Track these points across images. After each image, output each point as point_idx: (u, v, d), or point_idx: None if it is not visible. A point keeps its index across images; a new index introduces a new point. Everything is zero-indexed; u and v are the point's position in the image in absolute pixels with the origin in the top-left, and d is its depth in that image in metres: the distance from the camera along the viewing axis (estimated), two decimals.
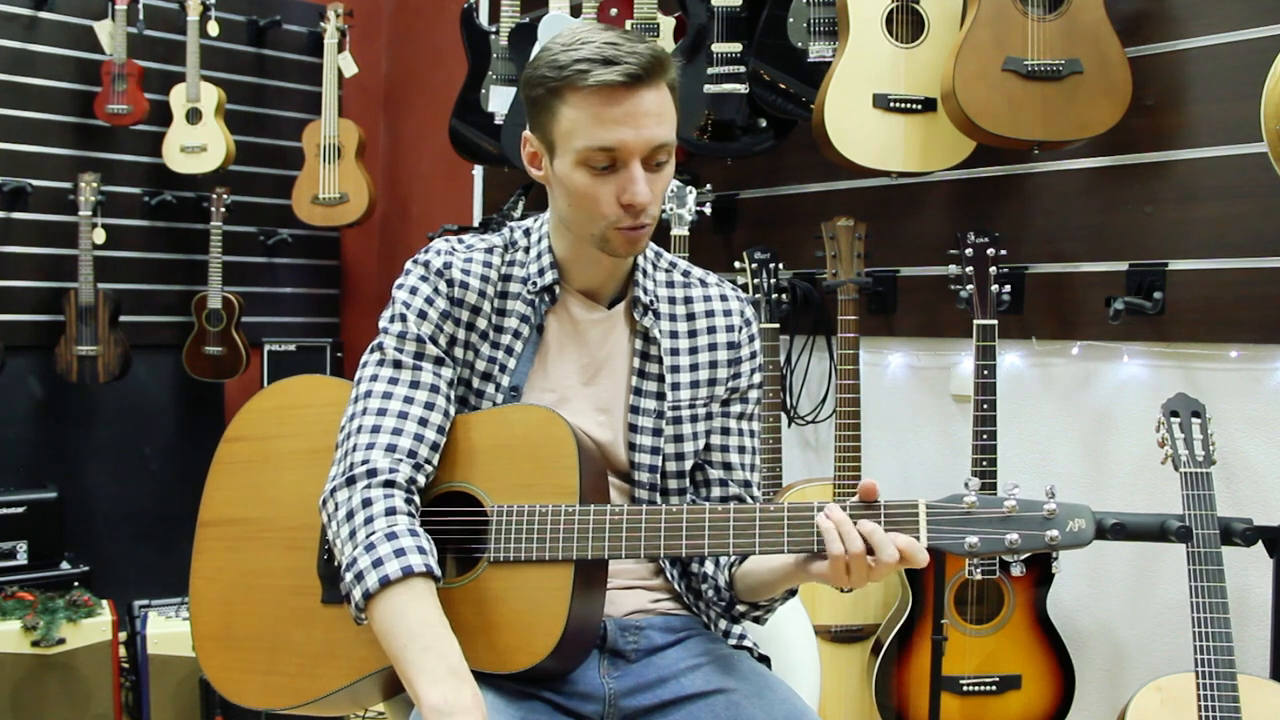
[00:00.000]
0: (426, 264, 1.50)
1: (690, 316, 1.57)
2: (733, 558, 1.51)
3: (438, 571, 1.33)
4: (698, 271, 1.62)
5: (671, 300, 1.57)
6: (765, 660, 1.61)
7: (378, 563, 1.30)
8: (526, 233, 1.56)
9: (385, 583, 1.29)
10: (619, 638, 1.48)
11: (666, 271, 1.59)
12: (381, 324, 1.49)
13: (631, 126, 1.35)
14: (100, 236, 3.62)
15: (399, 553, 1.31)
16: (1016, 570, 1.31)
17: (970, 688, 2.34)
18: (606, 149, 1.36)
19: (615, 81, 1.33)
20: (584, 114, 1.36)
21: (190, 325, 3.87)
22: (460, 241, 1.54)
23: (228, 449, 1.60)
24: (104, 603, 3.01)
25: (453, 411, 1.47)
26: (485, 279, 1.51)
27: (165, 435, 4.00)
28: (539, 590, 1.35)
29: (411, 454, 1.40)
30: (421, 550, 1.32)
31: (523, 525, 1.37)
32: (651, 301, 1.54)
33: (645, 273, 1.56)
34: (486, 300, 1.51)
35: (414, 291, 1.48)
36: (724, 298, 1.60)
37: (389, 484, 1.37)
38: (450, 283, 1.49)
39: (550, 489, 1.39)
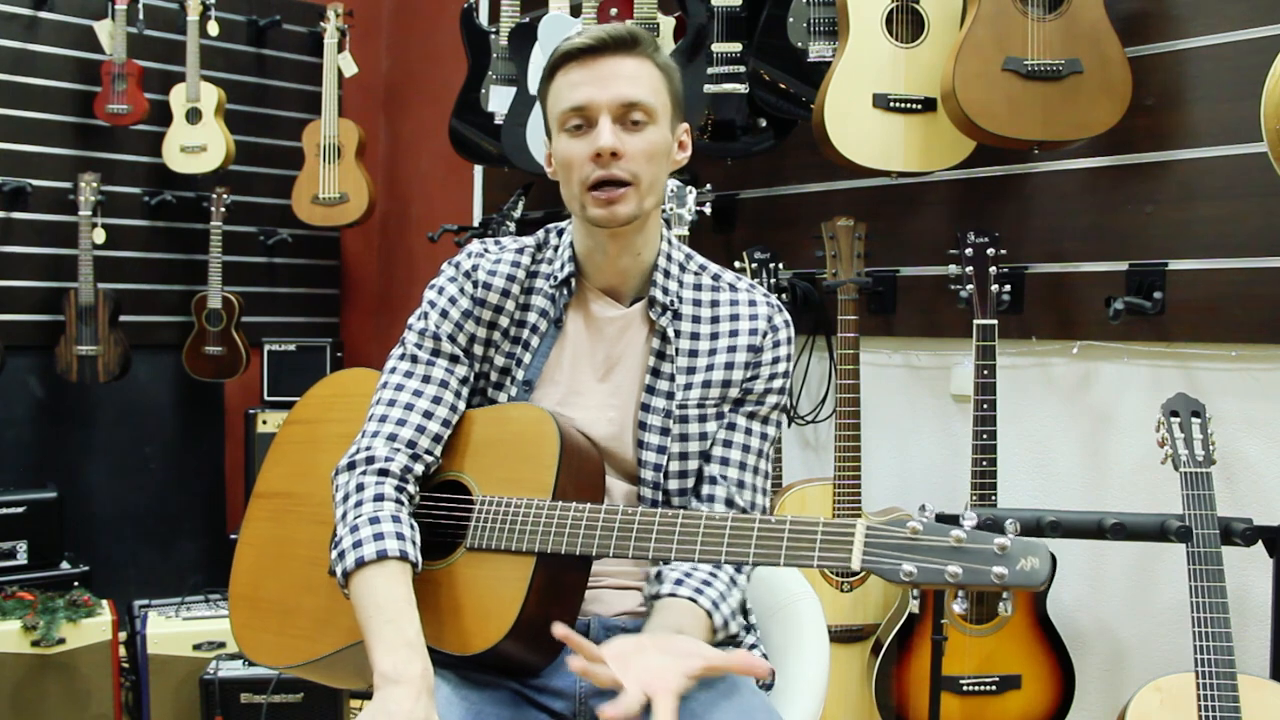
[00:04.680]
0: (457, 265, 1.59)
1: (714, 320, 1.58)
2: (665, 592, 1.47)
3: (414, 557, 1.39)
4: (729, 276, 1.63)
5: (696, 302, 1.59)
6: (770, 673, 1.59)
7: (358, 544, 1.38)
8: (559, 233, 1.62)
9: (361, 563, 1.37)
10: (601, 636, 1.48)
11: (695, 274, 1.61)
12: (409, 320, 1.57)
13: (599, 85, 1.44)
14: (100, 236, 3.63)
15: (378, 536, 1.39)
16: (958, 607, 1.23)
17: (970, 688, 2.34)
18: (576, 107, 1.45)
19: (583, 46, 1.45)
20: (562, 82, 1.47)
21: (190, 325, 3.87)
22: (496, 243, 1.61)
23: (287, 430, 1.75)
24: (104, 603, 3.01)
25: (461, 407, 1.54)
26: (511, 278, 1.57)
27: (165, 435, 4.01)
28: (500, 579, 1.40)
29: (411, 444, 1.48)
30: (400, 536, 1.39)
31: (498, 516, 1.42)
32: (672, 302, 1.56)
33: (667, 273, 1.57)
34: (510, 299, 1.57)
35: (440, 291, 1.57)
36: (753, 302, 1.60)
37: (383, 471, 1.45)
38: (476, 284, 1.56)
39: (529, 484, 1.44)
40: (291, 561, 1.61)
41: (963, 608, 1.21)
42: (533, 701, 1.44)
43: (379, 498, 1.43)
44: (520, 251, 1.59)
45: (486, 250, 1.59)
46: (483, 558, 1.42)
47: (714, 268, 1.63)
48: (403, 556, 1.38)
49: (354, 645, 1.47)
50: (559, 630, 1.31)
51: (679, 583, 1.46)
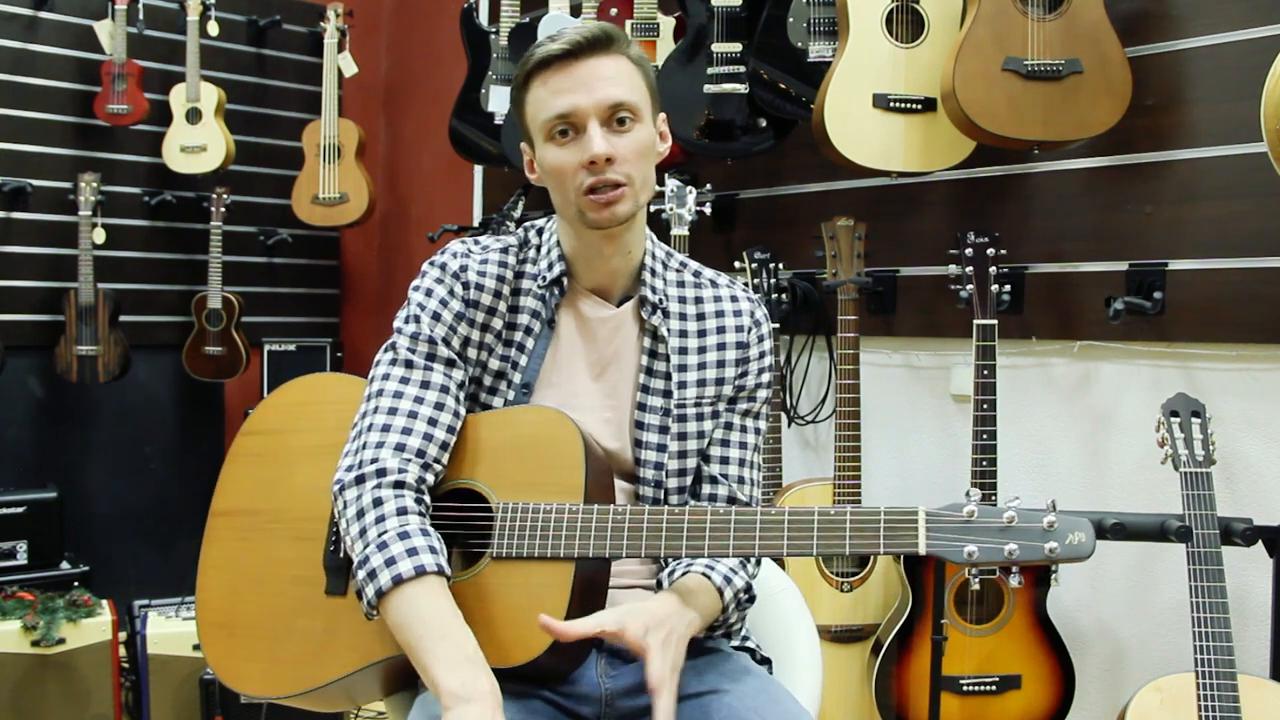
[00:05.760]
0: (443, 266, 1.53)
1: (700, 316, 1.58)
2: (675, 576, 1.50)
3: (449, 570, 1.36)
4: (709, 273, 1.63)
5: (681, 300, 1.59)
6: (767, 662, 1.61)
7: (390, 561, 1.33)
8: (539, 232, 1.59)
9: (398, 580, 1.32)
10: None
11: (677, 272, 1.60)
12: (396, 324, 1.52)
13: (582, 91, 1.42)
14: (100, 236, 3.63)
15: (411, 552, 1.34)
16: (1014, 582, 1.31)
17: (970, 688, 2.34)
18: (562, 115, 1.42)
19: (559, 52, 1.42)
20: (541, 90, 1.44)
21: (190, 325, 3.87)
22: (476, 243, 1.57)
23: (244, 442, 1.64)
24: (104, 603, 3.01)
25: (462, 412, 1.50)
26: (500, 279, 1.54)
27: (165, 435, 4.00)
28: (539, 587, 1.36)
29: (420, 453, 1.43)
30: (433, 550, 1.35)
31: (526, 522, 1.39)
32: (661, 300, 1.56)
33: (654, 272, 1.57)
34: (501, 300, 1.54)
35: (429, 293, 1.52)
36: (734, 298, 1.61)
37: (399, 484, 1.40)
38: (466, 285, 1.52)
39: (555, 488, 1.40)
40: (274, 583, 1.50)
41: (1017, 581, 1.30)
42: (562, 708, 1.43)
43: (402, 511, 1.37)
44: (505, 251, 1.56)
45: (470, 251, 1.55)
46: (513, 566, 1.38)
47: (693, 264, 1.63)
48: (440, 571, 1.34)
49: (368, 668, 1.42)
50: (545, 620, 1.30)
51: (688, 567, 1.49)
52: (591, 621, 1.32)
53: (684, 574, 1.49)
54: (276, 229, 4.14)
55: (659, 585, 1.52)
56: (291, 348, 3.92)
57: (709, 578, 1.48)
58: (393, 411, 1.45)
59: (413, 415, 1.44)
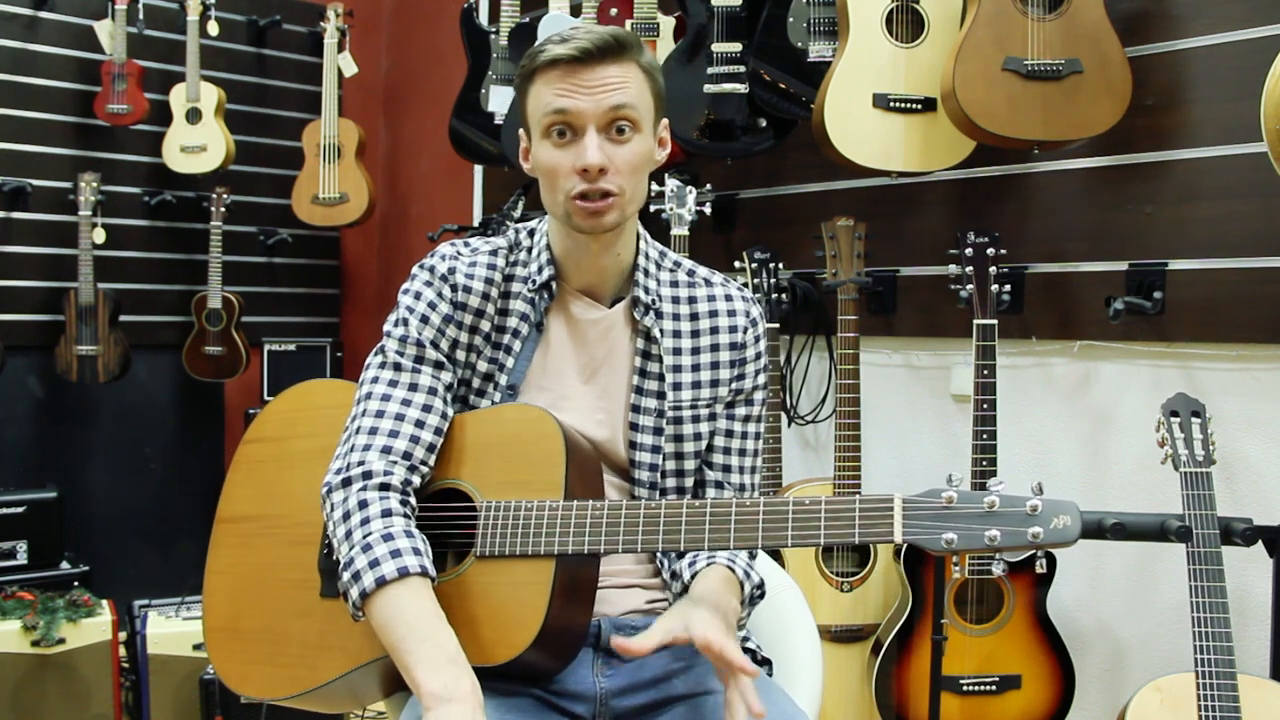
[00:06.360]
0: (431, 269, 1.53)
1: (694, 316, 1.58)
2: (698, 568, 1.51)
3: (433, 572, 1.36)
4: (703, 271, 1.63)
5: (675, 300, 1.58)
6: (767, 663, 1.61)
7: (374, 563, 1.33)
8: (530, 233, 1.59)
9: (382, 582, 1.32)
10: (613, 637, 1.48)
11: (671, 271, 1.60)
12: (386, 328, 1.52)
13: (585, 94, 1.42)
14: (100, 236, 3.63)
15: (395, 554, 1.34)
16: (998, 569, 1.29)
17: (970, 688, 2.34)
18: (560, 111, 1.42)
19: (567, 56, 1.41)
20: (545, 88, 1.44)
21: (190, 325, 3.87)
22: (466, 245, 1.57)
23: (246, 450, 1.65)
24: (104, 603, 3.01)
25: (450, 414, 1.50)
26: (489, 281, 1.54)
27: (165, 435, 4.01)
28: (520, 584, 1.36)
29: (407, 455, 1.43)
30: (417, 551, 1.36)
31: (508, 521, 1.39)
32: (653, 301, 1.55)
33: (647, 272, 1.56)
34: (490, 303, 1.53)
35: (418, 296, 1.52)
36: (729, 297, 1.60)
37: (384, 486, 1.40)
38: (454, 287, 1.52)
39: (537, 485, 1.41)
40: (274, 586, 1.52)
41: (1002, 569, 1.27)
42: (554, 706, 1.42)
43: (387, 513, 1.38)
44: (494, 253, 1.55)
45: (459, 253, 1.54)
46: (495, 565, 1.38)
47: (687, 263, 1.63)
48: (423, 572, 1.34)
49: (362, 668, 1.43)
50: (619, 642, 1.30)
51: (710, 559, 1.50)
52: (658, 632, 1.32)
53: (708, 565, 1.49)
54: (276, 229, 4.14)
55: (674, 576, 1.52)
56: (291, 348, 3.92)
57: (732, 570, 1.49)
58: (380, 414, 1.45)
59: (400, 418, 1.45)
